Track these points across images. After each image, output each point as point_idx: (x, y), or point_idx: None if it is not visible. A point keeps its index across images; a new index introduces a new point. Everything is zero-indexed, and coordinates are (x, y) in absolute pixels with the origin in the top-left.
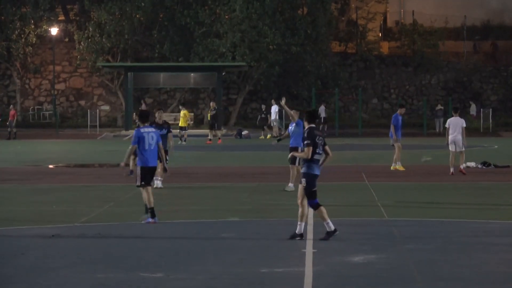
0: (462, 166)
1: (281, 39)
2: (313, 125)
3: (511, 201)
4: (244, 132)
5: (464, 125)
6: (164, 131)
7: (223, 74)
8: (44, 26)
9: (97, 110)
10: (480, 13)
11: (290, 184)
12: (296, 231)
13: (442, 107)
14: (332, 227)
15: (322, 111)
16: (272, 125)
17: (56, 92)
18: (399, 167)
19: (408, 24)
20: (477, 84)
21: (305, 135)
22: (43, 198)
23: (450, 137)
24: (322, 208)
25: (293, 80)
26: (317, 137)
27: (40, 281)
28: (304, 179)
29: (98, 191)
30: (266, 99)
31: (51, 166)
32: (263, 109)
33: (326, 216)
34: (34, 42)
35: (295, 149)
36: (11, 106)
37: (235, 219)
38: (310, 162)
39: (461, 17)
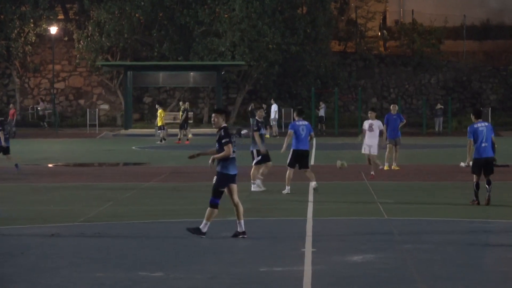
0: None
1: (280, 39)
2: (226, 125)
3: (511, 200)
4: (244, 132)
5: (382, 127)
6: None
7: (223, 73)
8: (43, 25)
9: (97, 109)
10: (479, 13)
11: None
12: (238, 230)
13: (442, 106)
14: (205, 230)
15: (321, 110)
16: (271, 124)
17: (55, 91)
18: (386, 166)
19: (408, 24)
20: (477, 83)
21: (223, 134)
22: (42, 197)
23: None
24: (216, 211)
25: (293, 79)
26: (232, 136)
27: (39, 280)
28: (216, 177)
29: (97, 191)
30: (265, 98)
31: (50, 165)
32: (264, 108)
33: (211, 218)
34: (33, 41)
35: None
36: (11, 105)
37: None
38: (225, 161)
39: (461, 17)
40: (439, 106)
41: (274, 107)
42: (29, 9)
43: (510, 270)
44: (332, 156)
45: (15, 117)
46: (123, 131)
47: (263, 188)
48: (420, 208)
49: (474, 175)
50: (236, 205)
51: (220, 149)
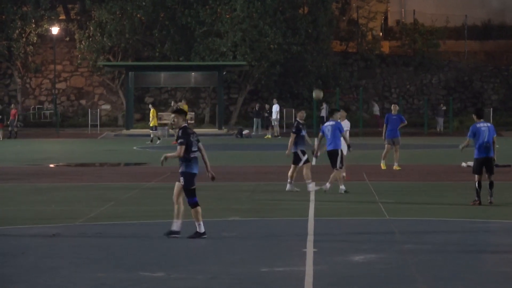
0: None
1: (282, 39)
2: (186, 125)
3: (511, 200)
4: (245, 132)
5: (348, 127)
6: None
7: (224, 73)
8: (45, 25)
9: (98, 109)
10: (481, 13)
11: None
12: (173, 229)
13: (445, 107)
14: (203, 230)
15: (323, 110)
16: (273, 124)
17: (56, 92)
18: (383, 165)
19: (409, 24)
20: (478, 83)
21: (180, 134)
22: (43, 197)
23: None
24: (199, 208)
25: (294, 79)
26: (191, 135)
27: (40, 280)
28: (182, 178)
29: (98, 191)
30: (267, 98)
31: (51, 166)
32: (267, 108)
33: (200, 217)
34: (35, 41)
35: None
36: (12, 105)
37: (236, 218)
38: (188, 161)
39: (462, 17)
40: (442, 106)
41: (276, 107)
42: (30, 10)
43: (510, 271)
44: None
45: (16, 117)
46: (124, 131)
47: (297, 189)
48: (421, 208)
49: (476, 175)
50: (179, 204)
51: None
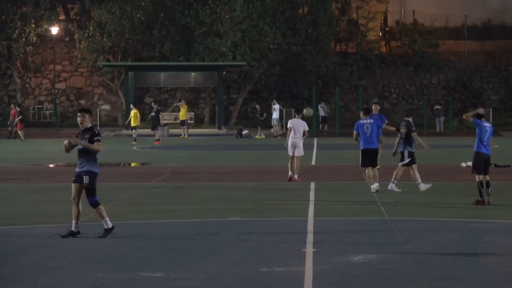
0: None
1: (281, 39)
2: (91, 125)
3: (511, 200)
4: (245, 132)
5: (307, 128)
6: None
7: (224, 73)
8: (44, 26)
9: (98, 109)
10: (480, 13)
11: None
12: (73, 229)
13: (440, 107)
14: (110, 225)
15: (321, 109)
16: (273, 124)
17: (56, 92)
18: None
19: (409, 24)
20: (478, 83)
21: (97, 132)
22: (43, 197)
23: (290, 140)
24: (101, 206)
25: (294, 79)
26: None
27: (40, 280)
28: (87, 177)
29: (98, 191)
30: (266, 98)
31: (51, 166)
32: (258, 109)
33: (104, 214)
34: (34, 41)
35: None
36: (12, 105)
37: (236, 218)
38: (94, 160)
39: (462, 17)
40: (437, 106)
41: (278, 107)
42: (30, 10)
43: (510, 271)
44: (333, 156)
45: (16, 117)
46: (124, 131)
47: (398, 190)
48: (421, 208)
49: (476, 175)
50: (79, 205)
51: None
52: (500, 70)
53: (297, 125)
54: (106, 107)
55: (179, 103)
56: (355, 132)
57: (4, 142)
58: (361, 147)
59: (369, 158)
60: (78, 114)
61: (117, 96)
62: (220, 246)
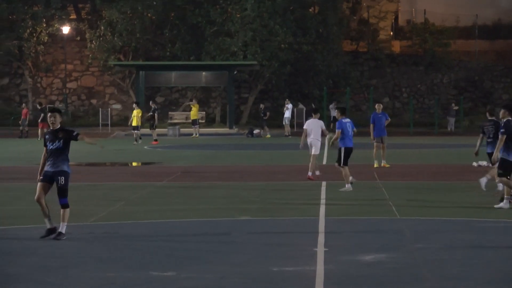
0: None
1: (292, 38)
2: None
3: None
4: (256, 131)
5: (324, 127)
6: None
7: (235, 73)
8: (55, 25)
9: (109, 109)
10: (491, 12)
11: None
12: (49, 227)
13: (457, 107)
14: (64, 230)
15: (332, 109)
16: (284, 123)
17: (67, 91)
18: (375, 164)
19: (420, 23)
20: (488, 83)
21: (70, 128)
22: (52, 197)
23: (308, 141)
24: (68, 211)
25: (304, 79)
26: None
27: (48, 280)
28: (62, 177)
29: (108, 190)
30: (277, 98)
31: None
32: (262, 108)
33: (66, 218)
34: (45, 40)
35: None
36: (23, 104)
37: (246, 218)
38: (68, 161)
39: (472, 16)
40: (453, 106)
41: (290, 106)
42: (41, 9)
43: None
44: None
45: (27, 117)
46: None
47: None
48: (432, 207)
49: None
50: (47, 204)
51: (64, 146)
52: (510, 69)
53: (314, 126)
54: (117, 106)
55: (190, 103)
56: (338, 130)
57: (15, 141)
58: (345, 146)
59: (349, 157)
60: (49, 114)
61: (128, 96)
62: (230, 246)
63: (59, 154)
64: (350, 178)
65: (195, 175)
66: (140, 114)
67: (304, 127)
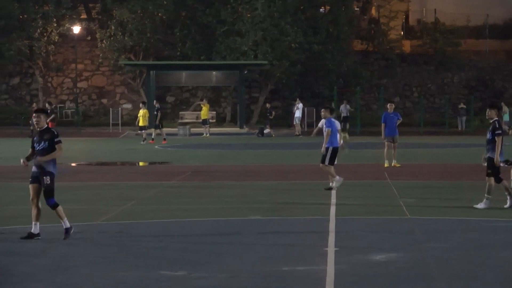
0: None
1: (302, 38)
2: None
3: None
4: (266, 131)
5: (339, 127)
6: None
7: (245, 72)
8: (66, 25)
9: (119, 108)
10: (502, 12)
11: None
12: (32, 231)
13: (465, 106)
14: (68, 224)
15: (343, 109)
16: (294, 123)
17: (78, 91)
18: (386, 164)
19: (430, 23)
20: (499, 82)
21: (56, 133)
22: (63, 196)
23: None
24: (60, 208)
25: (315, 78)
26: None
27: (60, 279)
28: (48, 177)
29: (119, 190)
30: (287, 97)
31: (73, 164)
32: (267, 107)
33: (63, 215)
34: (56, 40)
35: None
36: (34, 104)
37: (257, 217)
38: (55, 162)
39: (483, 16)
40: (462, 105)
41: (300, 106)
42: (52, 9)
43: None
44: (354, 155)
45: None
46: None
47: None
48: (443, 207)
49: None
50: (39, 206)
51: (50, 148)
52: None
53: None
54: (128, 106)
55: (200, 102)
56: (328, 129)
57: (26, 141)
58: (332, 145)
59: (336, 156)
60: (34, 114)
61: (139, 95)
62: (241, 245)
63: (45, 155)
64: (337, 177)
65: (205, 175)
66: (147, 115)
67: (319, 125)
